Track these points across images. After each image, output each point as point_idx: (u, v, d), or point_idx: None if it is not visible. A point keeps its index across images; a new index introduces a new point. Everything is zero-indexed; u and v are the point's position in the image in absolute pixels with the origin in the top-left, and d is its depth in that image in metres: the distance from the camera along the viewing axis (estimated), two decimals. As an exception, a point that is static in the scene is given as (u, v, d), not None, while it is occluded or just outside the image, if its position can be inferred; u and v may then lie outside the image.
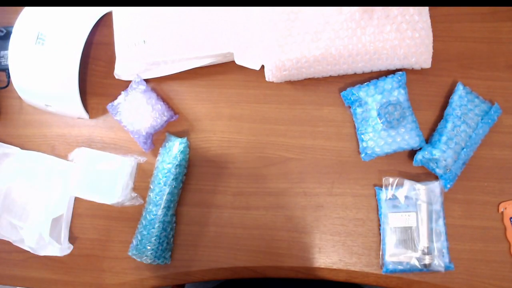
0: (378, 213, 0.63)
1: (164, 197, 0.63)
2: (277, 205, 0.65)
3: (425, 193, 0.60)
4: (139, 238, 0.63)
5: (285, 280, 0.77)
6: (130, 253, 0.63)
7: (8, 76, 0.73)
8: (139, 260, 0.63)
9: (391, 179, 0.62)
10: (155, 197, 0.63)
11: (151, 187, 0.65)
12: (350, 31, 0.61)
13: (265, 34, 0.64)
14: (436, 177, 0.62)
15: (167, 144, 0.66)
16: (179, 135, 0.68)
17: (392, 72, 0.64)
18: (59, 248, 0.66)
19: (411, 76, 0.65)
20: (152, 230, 0.62)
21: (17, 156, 0.70)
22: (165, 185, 0.63)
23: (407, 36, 0.61)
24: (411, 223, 0.60)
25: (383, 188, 0.62)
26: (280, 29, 0.63)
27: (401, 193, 0.61)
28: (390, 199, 0.61)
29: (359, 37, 0.61)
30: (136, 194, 0.67)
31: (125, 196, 0.65)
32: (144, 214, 0.64)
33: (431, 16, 0.63)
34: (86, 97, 0.72)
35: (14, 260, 0.68)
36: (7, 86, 0.73)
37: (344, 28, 0.61)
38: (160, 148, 0.67)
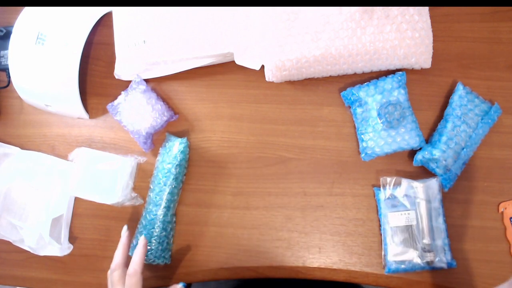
0: (378, 213, 0.63)
1: (164, 197, 0.63)
2: (277, 205, 0.65)
3: (423, 191, 0.60)
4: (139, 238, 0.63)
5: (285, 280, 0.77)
6: (130, 253, 0.63)
7: (8, 76, 0.73)
8: None
9: (388, 179, 0.62)
10: (155, 197, 0.63)
11: (151, 187, 0.65)
12: (350, 31, 0.61)
13: (265, 34, 0.64)
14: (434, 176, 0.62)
15: (167, 144, 0.66)
16: (179, 135, 0.68)
17: (392, 72, 0.64)
18: (59, 248, 0.66)
19: (411, 76, 0.65)
20: (152, 230, 0.62)
21: (17, 156, 0.70)
22: (165, 185, 0.63)
23: (407, 36, 0.61)
24: (411, 222, 0.60)
25: (381, 188, 0.62)
26: (280, 29, 0.63)
27: (399, 192, 0.61)
28: (388, 198, 0.61)
29: (359, 37, 0.61)
30: (136, 194, 0.67)
31: (125, 196, 0.65)
32: (144, 214, 0.64)
33: (431, 16, 0.63)
34: (86, 97, 0.72)
35: (14, 260, 0.68)
36: (7, 86, 0.73)
37: (344, 28, 0.61)
38: (160, 148, 0.67)
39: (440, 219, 0.60)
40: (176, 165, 0.63)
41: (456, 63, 0.66)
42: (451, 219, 0.62)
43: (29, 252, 0.66)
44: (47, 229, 0.65)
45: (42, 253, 0.66)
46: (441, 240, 0.59)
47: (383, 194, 0.62)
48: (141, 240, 0.59)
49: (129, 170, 0.66)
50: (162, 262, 0.63)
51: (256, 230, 0.65)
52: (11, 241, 0.67)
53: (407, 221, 0.60)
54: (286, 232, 0.64)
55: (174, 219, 0.65)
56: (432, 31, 0.62)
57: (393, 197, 0.61)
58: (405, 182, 0.61)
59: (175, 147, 0.65)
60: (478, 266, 0.60)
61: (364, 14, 0.61)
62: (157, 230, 0.62)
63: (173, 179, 0.63)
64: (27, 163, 0.69)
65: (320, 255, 0.63)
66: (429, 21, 0.62)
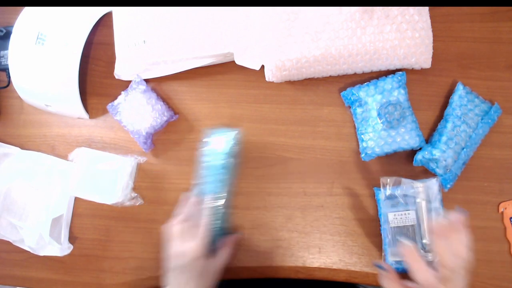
0: (378, 213, 0.63)
1: (223, 190, 0.61)
2: (277, 205, 0.65)
3: (423, 191, 0.60)
4: None
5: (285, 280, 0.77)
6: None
7: (8, 76, 0.73)
8: None
9: (388, 179, 0.62)
10: (212, 189, 0.61)
11: (202, 181, 0.62)
12: (350, 31, 0.61)
13: (265, 34, 0.64)
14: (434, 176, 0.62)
15: (214, 139, 0.63)
16: (179, 134, 0.68)
17: (392, 72, 0.64)
18: (59, 248, 0.66)
19: (411, 76, 0.65)
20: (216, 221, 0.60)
21: (17, 156, 0.70)
22: (221, 178, 0.61)
23: (407, 36, 0.61)
24: (411, 222, 0.60)
25: (381, 188, 0.62)
26: (280, 29, 0.63)
27: (399, 192, 0.61)
28: (388, 198, 0.61)
29: (359, 37, 0.61)
30: (136, 194, 0.67)
31: (125, 196, 0.65)
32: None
33: (431, 16, 0.63)
34: (86, 97, 0.72)
35: (14, 260, 0.68)
36: (7, 86, 0.73)
37: (344, 28, 0.61)
38: (204, 141, 0.63)
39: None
40: (228, 158, 0.61)
41: (456, 63, 0.66)
42: (451, 219, 0.61)
43: (29, 252, 0.66)
44: (47, 229, 0.65)
45: (42, 253, 0.66)
46: (441, 240, 0.59)
47: (383, 194, 0.62)
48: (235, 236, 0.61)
49: (129, 170, 0.66)
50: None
51: (256, 230, 0.65)
52: (11, 241, 0.67)
53: (407, 221, 0.60)
54: (286, 232, 0.64)
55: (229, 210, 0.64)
56: (432, 31, 0.62)
57: (393, 197, 0.61)
58: (405, 182, 0.61)
59: (225, 140, 0.62)
60: (478, 266, 0.60)
61: (364, 14, 0.61)
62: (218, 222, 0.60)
63: (227, 172, 0.61)
64: (27, 163, 0.69)
65: (320, 255, 0.63)
66: (429, 21, 0.62)
